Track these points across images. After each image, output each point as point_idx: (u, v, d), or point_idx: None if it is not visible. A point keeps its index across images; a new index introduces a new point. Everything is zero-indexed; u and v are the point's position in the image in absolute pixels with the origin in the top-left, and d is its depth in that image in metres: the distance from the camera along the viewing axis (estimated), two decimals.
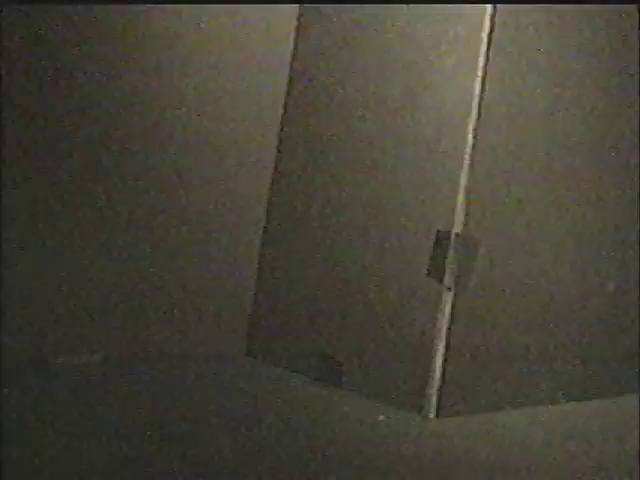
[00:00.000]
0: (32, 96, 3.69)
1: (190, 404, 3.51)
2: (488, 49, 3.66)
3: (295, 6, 4.25)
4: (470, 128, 3.68)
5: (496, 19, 3.65)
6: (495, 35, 3.66)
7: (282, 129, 4.26)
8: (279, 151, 4.26)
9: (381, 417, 3.66)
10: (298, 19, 4.20)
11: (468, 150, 3.69)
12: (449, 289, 3.71)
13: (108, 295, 3.94)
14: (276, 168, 4.28)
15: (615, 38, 4.09)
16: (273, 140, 4.30)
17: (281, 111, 4.26)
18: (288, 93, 4.25)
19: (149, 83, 3.97)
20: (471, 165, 3.69)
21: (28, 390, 3.41)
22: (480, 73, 3.67)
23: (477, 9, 3.68)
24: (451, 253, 3.70)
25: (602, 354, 4.23)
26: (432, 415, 3.71)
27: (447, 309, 3.70)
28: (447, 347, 3.70)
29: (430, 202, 3.77)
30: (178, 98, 4.06)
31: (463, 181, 3.70)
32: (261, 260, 4.30)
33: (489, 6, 3.65)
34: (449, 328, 3.70)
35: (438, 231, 3.73)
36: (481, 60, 3.67)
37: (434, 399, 3.71)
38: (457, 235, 3.69)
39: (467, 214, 3.70)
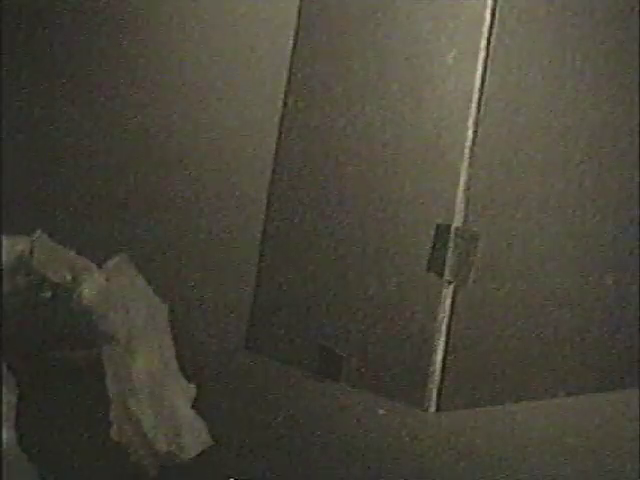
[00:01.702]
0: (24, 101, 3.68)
1: None
2: (488, 43, 3.66)
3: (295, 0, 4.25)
4: (470, 122, 3.68)
5: (497, 12, 3.65)
6: (495, 29, 3.66)
7: (281, 123, 4.26)
8: (278, 145, 4.26)
9: (381, 411, 3.66)
10: (298, 12, 4.19)
11: (468, 144, 3.69)
12: (449, 283, 3.71)
13: None
14: (275, 162, 4.27)
15: (616, 31, 4.09)
16: (272, 134, 4.29)
17: (280, 105, 4.25)
18: (287, 87, 4.25)
19: (146, 74, 3.97)
20: (471, 159, 3.69)
21: (28, 384, 3.40)
22: (480, 67, 3.67)
23: (478, 2, 3.67)
24: (451, 247, 3.70)
25: (602, 347, 4.24)
26: (432, 409, 3.72)
27: (447, 303, 3.70)
28: (447, 341, 3.71)
29: (430, 196, 3.77)
30: (175, 90, 4.05)
31: (463, 175, 3.69)
32: (261, 253, 4.30)
33: None
34: (449, 322, 3.71)
35: (438, 225, 3.73)
36: (481, 54, 3.66)
37: (434, 393, 3.71)
38: (457, 229, 3.69)
39: (467, 208, 3.70)
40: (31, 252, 2.40)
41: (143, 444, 2.36)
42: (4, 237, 2.41)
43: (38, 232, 2.47)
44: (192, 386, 2.57)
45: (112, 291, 2.38)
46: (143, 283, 2.51)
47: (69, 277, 2.40)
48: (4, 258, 2.35)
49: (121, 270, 2.46)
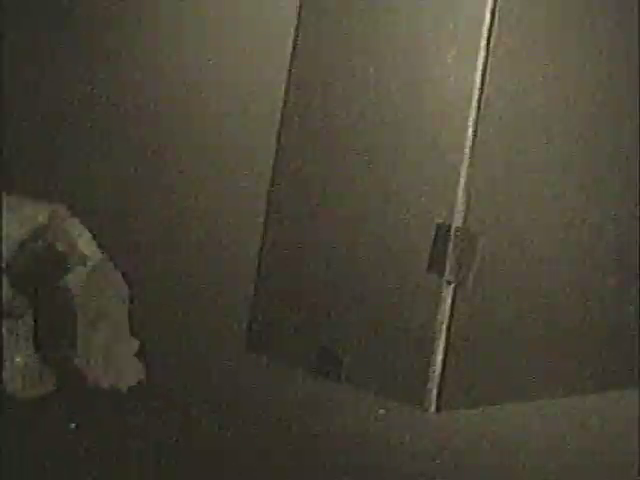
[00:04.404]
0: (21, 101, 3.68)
1: (188, 400, 3.51)
2: (488, 42, 3.66)
3: None
4: (470, 122, 3.68)
5: (497, 12, 3.65)
6: (495, 29, 3.66)
7: (281, 123, 4.25)
8: (278, 144, 4.25)
9: (381, 411, 3.66)
10: (298, 12, 4.19)
11: (468, 144, 3.69)
12: (449, 283, 3.71)
13: None
14: (275, 162, 4.27)
15: (616, 30, 4.09)
16: (272, 133, 4.29)
17: (280, 103, 4.25)
18: (288, 85, 4.24)
19: (146, 74, 3.97)
20: (471, 159, 3.69)
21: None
22: (480, 67, 3.67)
23: (477, 2, 3.67)
24: (451, 247, 3.70)
25: (602, 347, 4.24)
26: (432, 409, 3.71)
27: (447, 303, 3.70)
28: (447, 341, 3.70)
29: (430, 196, 3.77)
30: (175, 90, 4.05)
31: (463, 175, 3.70)
32: (261, 253, 4.30)
33: None
34: (449, 322, 3.71)
35: (438, 225, 3.73)
36: (481, 54, 3.66)
37: (434, 393, 3.71)
38: (457, 229, 3.69)
39: (467, 208, 3.70)
40: (49, 224, 3.09)
41: (95, 375, 3.32)
42: (28, 203, 3.14)
43: (57, 206, 3.15)
44: (136, 341, 3.43)
45: (91, 283, 3.25)
46: (116, 272, 3.39)
47: (69, 252, 3.16)
48: (27, 225, 3.06)
49: (102, 269, 3.32)
